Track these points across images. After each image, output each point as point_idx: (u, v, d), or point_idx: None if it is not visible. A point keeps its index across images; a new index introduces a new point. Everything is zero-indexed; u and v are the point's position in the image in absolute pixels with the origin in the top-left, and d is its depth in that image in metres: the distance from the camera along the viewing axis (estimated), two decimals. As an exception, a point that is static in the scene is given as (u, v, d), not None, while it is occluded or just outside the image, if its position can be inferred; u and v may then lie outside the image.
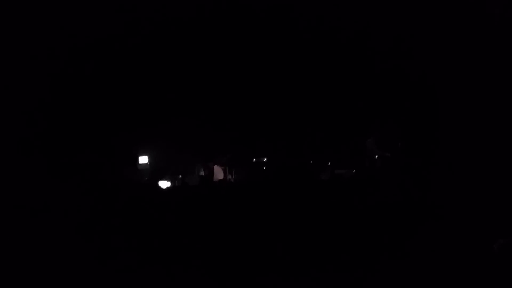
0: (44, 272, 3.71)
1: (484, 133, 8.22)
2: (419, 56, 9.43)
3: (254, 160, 11.74)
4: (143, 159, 11.40)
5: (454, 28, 8.83)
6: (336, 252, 3.90)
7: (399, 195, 4.74)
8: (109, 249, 3.98)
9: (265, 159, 11.78)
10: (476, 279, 3.15)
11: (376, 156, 9.24)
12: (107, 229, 4.35)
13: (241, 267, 3.71)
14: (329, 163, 11.46)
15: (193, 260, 3.85)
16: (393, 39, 9.60)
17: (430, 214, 4.13)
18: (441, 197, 4.46)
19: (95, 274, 3.69)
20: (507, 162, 6.78)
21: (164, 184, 10.27)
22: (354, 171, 10.74)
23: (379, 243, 3.86)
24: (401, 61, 9.86)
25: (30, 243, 4.08)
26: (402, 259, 3.52)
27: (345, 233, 4.13)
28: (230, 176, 11.27)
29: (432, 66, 9.27)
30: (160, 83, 11.21)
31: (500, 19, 8.34)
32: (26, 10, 8.75)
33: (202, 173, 11.27)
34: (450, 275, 3.29)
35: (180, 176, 11.25)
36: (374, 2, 9.37)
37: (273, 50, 10.97)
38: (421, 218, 4.10)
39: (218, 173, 11.19)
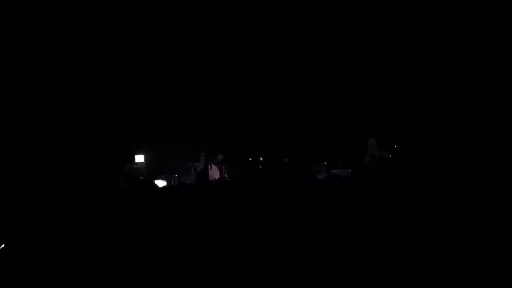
0: (40, 271, 3.71)
1: (484, 135, 8.24)
2: (421, 58, 9.44)
3: (250, 159, 11.75)
4: (139, 158, 11.40)
5: (456, 30, 8.82)
6: (333, 251, 3.90)
7: (396, 195, 4.76)
8: (105, 249, 3.98)
9: (261, 158, 11.80)
10: (476, 279, 3.17)
11: (377, 156, 9.26)
12: (103, 228, 4.34)
13: (238, 266, 3.72)
14: (325, 163, 11.49)
15: (190, 259, 3.85)
16: (396, 41, 9.60)
17: (427, 215, 4.14)
18: (440, 198, 4.48)
19: (91, 274, 3.69)
20: (507, 163, 6.81)
21: (160, 183, 10.25)
22: (350, 170, 10.78)
23: (376, 243, 3.87)
24: (402, 62, 9.87)
25: (26, 240, 4.07)
26: (399, 260, 3.54)
27: (341, 232, 4.13)
28: (226, 175, 11.27)
29: (434, 68, 9.28)
30: (157, 82, 11.20)
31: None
32: (22, 10, 8.71)
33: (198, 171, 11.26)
34: (449, 275, 3.30)
35: (176, 175, 11.26)
36: (376, 2, 9.35)
37: (270, 48, 10.95)
38: (419, 218, 4.11)
39: (214, 172, 11.18)
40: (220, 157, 11.10)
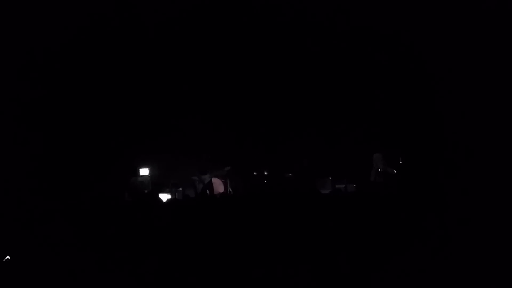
0: (41, 284, 3.70)
1: (491, 150, 8.18)
2: (428, 71, 9.44)
3: (254, 173, 11.73)
4: (144, 171, 11.42)
5: (459, 40, 8.81)
6: (336, 265, 3.88)
7: (401, 210, 4.74)
8: (108, 262, 3.96)
9: (266, 172, 11.78)
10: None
11: (380, 170, 9.23)
12: (107, 241, 4.33)
13: (242, 281, 3.70)
14: (330, 178, 11.46)
15: (194, 273, 3.84)
16: (399, 47, 9.62)
17: (433, 230, 4.11)
18: (446, 213, 4.45)
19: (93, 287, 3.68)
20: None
21: (164, 196, 10.25)
22: (355, 186, 10.73)
23: (379, 257, 3.84)
24: (406, 69, 9.86)
25: (28, 254, 4.07)
26: (404, 274, 3.51)
27: (345, 247, 4.11)
28: (230, 189, 11.24)
29: (437, 75, 9.27)
30: (161, 96, 11.25)
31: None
32: (23, 11, 8.75)
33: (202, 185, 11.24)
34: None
35: (181, 188, 11.25)
36: (378, 9, 9.37)
37: (273, 60, 10.98)
38: (424, 233, 4.08)
39: (219, 186, 11.15)
40: (226, 169, 11.05)
